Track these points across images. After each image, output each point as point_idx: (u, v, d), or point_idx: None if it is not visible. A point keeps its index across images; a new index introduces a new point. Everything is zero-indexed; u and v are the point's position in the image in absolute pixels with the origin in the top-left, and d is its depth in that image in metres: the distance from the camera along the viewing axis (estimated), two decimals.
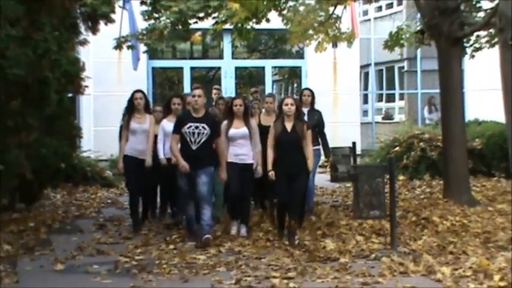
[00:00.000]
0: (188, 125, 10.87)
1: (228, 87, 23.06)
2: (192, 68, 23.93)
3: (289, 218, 11.06)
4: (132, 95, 12.52)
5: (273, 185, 11.66)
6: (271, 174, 10.96)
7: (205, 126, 10.85)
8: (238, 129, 11.74)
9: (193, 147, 10.85)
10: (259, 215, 13.44)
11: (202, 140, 10.84)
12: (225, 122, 11.99)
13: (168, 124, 12.23)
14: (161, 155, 12.35)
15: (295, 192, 10.89)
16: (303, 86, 21.29)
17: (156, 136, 12.46)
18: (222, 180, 11.33)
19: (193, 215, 11.20)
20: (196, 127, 10.83)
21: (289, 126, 10.90)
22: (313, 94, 13.24)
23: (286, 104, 10.89)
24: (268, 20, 17.26)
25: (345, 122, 22.98)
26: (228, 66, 24.73)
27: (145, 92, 17.93)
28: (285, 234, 11.10)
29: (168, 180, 12.37)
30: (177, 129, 11.03)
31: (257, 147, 11.87)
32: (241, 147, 11.81)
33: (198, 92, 11.05)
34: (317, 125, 13.37)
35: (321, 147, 13.61)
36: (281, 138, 10.89)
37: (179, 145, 11.11)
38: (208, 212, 10.99)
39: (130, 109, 12.40)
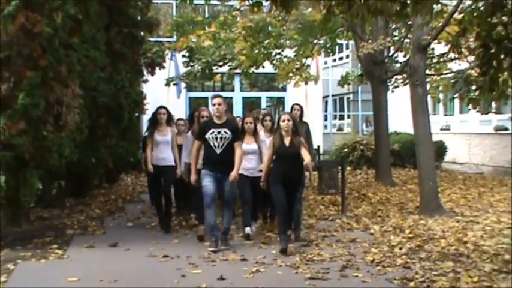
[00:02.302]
0: (211, 131, 8.05)
1: (237, 110, 23.04)
2: (215, 96, 23.83)
3: (289, 222, 8.21)
4: (157, 110, 9.83)
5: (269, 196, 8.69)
6: (263, 185, 8.24)
7: (227, 131, 8.05)
8: (249, 144, 8.88)
9: (218, 151, 8.01)
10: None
11: (225, 144, 8.02)
12: None
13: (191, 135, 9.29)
14: (182, 166, 9.45)
15: (292, 200, 8.04)
16: (286, 110, 21.15)
17: (180, 146, 9.73)
18: (233, 179, 8.04)
19: (214, 222, 8.06)
20: (219, 132, 8.02)
21: (287, 140, 8.05)
22: (301, 108, 10.58)
23: (283, 120, 8.13)
24: (263, 67, 17.42)
25: (312, 133, 22.97)
26: (237, 97, 24.71)
27: (184, 112, 17.87)
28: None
29: (188, 187, 8.99)
30: (200, 135, 8.23)
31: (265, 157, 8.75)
32: (251, 162, 8.91)
33: (217, 100, 8.23)
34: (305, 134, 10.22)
35: None
36: (280, 152, 8.01)
37: (202, 151, 8.27)
38: (228, 217, 8.29)
39: (155, 122, 9.70)
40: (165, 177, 9.54)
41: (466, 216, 10.28)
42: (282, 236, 7.88)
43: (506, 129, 18.93)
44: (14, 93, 7.68)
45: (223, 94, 25.96)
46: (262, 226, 9.54)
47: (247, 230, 8.81)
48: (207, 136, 8.08)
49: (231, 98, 24.61)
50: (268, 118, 9.56)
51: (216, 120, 8.23)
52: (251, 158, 8.92)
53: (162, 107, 9.90)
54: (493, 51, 6.25)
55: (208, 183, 8.01)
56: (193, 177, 8.23)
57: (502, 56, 6.23)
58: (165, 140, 9.56)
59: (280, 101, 25.22)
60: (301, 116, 10.51)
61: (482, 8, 6.32)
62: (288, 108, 21.14)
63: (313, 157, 11.44)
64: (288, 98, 23.73)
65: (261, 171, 8.62)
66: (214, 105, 8.24)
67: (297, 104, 10.51)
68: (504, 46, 6.14)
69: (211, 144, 8.08)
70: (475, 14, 6.44)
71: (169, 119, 9.84)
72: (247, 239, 8.66)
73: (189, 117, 10.37)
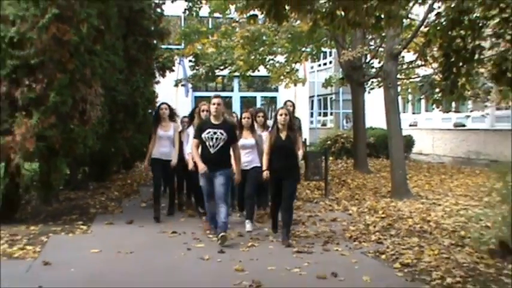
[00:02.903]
0: (207, 131, 7.06)
1: (236, 108, 23.05)
2: (216, 96, 23.78)
3: (281, 217, 7.18)
4: (159, 106, 9.02)
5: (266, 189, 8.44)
6: (266, 173, 7.20)
7: (223, 132, 7.03)
8: (246, 139, 8.08)
9: (212, 151, 6.99)
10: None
11: (220, 145, 7.01)
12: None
13: (192, 130, 8.27)
14: (187, 156, 8.49)
15: (285, 193, 7.03)
16: (279, 107, 20.74)
17: (181, 143, 8.96)
18: (237, 182, 7.44)
19: (215, 213, 7.16)
20: (215, 132, 7.03)
21: (283, 134, 7.14)
22: (294, 105, 9.80)
23: (281, 115, 7.19)
24: (259, 70, 17.45)
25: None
26: (236, 96, 24.74)
27: (191, 109, 17.91)
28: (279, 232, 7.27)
29: (191, 177, 8.49)
30: (197, 134, 7.21)
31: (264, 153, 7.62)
32: (247, 155, 7.98)
33: (217, 100, 7.25)
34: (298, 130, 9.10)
35: None
36: (276, 145, 7.11)
37: (199, 149, 7.21)
38: (224, 210, 7.06)
39: (158, 118, 8.84)
40: (168, 172, 8.84)
41: (429, 199, 10.36)
42: (273, 229, 7.53)
43: (464, 125, 19.08)
44: (46, 92, 7.69)
45: (224, 94, 26.09)
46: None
47: (248, 226, 7.82)
48: (203, 136, 7.11)
49: (231, 97, 24.63)
50: (261, 114, 8.83)
51: (213, 121, 7.22)
52: (248, 152, 8.04)
53: (163, 103, 9.07)
54: (453, 59, 6.29)
55: (204, 184, 7.20)
56: (201, 166, 7.05)
57: (461, 64, 6.28)
58: (166, 135, 8.72)
59: (273, 100, 25.26)
60: (293, 111, 9.52)
61: (444, 23, 6.38)
62: (280, 105, 20.92)
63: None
64: (280, 97, 23.77)
65: (257, 166, 7.89)
66: (214, 104, 7.25)
67: (289, 101, 9.85)
68: (462, 55, 6.19)
69: (207, 144, 7.08)
70: (438, 28, 6.49)
71: (172, 115, 8.99)
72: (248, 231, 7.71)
73: (189, 115, 9.32)
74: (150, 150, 8.76)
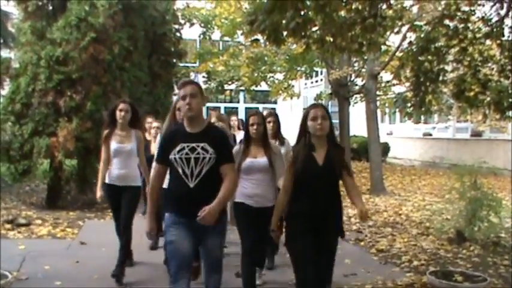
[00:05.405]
0: (179, 147, 2.86)
1: (242, 117, 23.05)
2: (225, 107, 23.98)
3: None
4: (116, 105, 4.73)
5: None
6: (275, 235, 3.23)
7: (207, 147, 2.83)
8: (255, 158, 3.97)
9: (191, 184, 2.80)
10: None
11: (205, 171, 2.81)
12: (236, 148, 3.94)
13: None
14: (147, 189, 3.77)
15: (321, 266, 3.03)
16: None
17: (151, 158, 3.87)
18: (201, 218, 2.70)
19: None
20: (193, 149, 2.83)
21: (320, 155, 3.08)
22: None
23: (315, 118, 3.21)
24: (261, 86, 17.51)
25: (294, 134, 23.00)
26: (242, 107, 24.80)
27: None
28: None
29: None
30: (162, 155, 2.95)
31: (280, 181, 3.59)
32: (259, 185, 3.93)
33: (190, 89, 2.86)
34: None
35: None
36: (307, 175, 3.01)
37: (165, 182, 3.04)
38: (216, 282, 3.03)
39: (112, 124, 4.73)
40: (125, 203, 4.74)
41: (401, 196, 10.38)
42: None
43: (431, 134, 19.26)
44: (84, 102, 7.82)
45: (231, 105, 26.07)
46: None
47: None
48: (172, 157, 2.98)
49: (237, 108, 24.67)
50: (271, 119, 4.84)
51: (188, 128, 3.03)
52: (258, 179, 3.99)
53: (123, 101, 4.81)
54: (422, 80, 6.38)
55: (175, 238, 3.00)
56: (149, 226, 3.13)
57: (428, 84, 6.37)
58: (123, 149, 4.72)
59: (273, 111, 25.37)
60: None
61: (415, 50, 6.47)
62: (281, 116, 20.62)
63: None
64: (278, 108, 23.82)
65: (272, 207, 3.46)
66: (184, 98, 2.98)
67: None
68: (429, 77, 6.27)
69: (180, 172, 2.95)
70: (410, 53, 6.58)
71: (135, 120, 4.81)
72: None
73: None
74: (102, 173, 4.80)
